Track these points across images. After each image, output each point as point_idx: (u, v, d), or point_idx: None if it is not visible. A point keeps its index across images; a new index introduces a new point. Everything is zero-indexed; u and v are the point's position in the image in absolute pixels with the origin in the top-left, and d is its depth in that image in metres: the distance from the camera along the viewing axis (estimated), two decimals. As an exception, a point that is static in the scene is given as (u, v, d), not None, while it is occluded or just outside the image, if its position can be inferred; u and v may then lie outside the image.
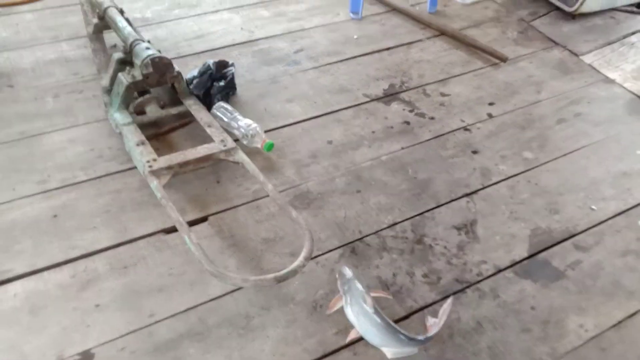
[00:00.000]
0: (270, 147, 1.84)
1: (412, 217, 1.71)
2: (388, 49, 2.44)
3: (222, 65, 2.05)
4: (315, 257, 1.56)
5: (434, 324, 1.39)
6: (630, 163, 1.96)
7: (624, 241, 1.69)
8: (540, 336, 1.42)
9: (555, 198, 1.81)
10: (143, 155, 1.67)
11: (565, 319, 1.47)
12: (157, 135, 1.88)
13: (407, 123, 2.06)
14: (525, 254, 1.63)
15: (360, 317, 1.36)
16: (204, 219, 1.63)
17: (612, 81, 2.34)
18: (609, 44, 2.55)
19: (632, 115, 2.18)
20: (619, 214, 1.77)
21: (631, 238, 1.70)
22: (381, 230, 1.66)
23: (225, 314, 1.40)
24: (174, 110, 1.93)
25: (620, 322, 1.47)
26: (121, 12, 2.09)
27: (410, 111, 2.11)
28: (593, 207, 1.79)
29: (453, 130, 2.04)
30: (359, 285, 1.41)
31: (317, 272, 1.52)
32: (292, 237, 1.60)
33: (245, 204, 1.70)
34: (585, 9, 2.67)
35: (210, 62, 2.02)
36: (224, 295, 1.44)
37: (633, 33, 2.62)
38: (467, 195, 1.80)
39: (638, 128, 2.12)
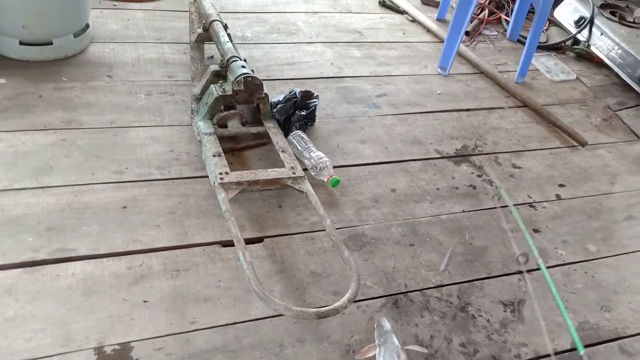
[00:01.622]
0: (336, 183, 1.87)
1: (461, 283, 1.69)
2: (468, 110, 2.44)
3: (307, 95, 2.10)
4: (358, 301, 1.56)
5: (462, 396, 1.37)
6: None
7: (674, 356, 1.61)
8: None
9: (610, 296, 1.75)
10: (217, 166, 1.73)
11: None
12: (233, 150, 1.95)
13: (473, 187, 2.04)
14: (569, 346, 1.58)
15: (391, 371, 1.35)
16: (259, 240, 1.67)
17: (692, 187, 2.25)
18: (696, 149, 2.46)
19: None
20: (674, 327, 1.69)
21: (683, 355, 1.62)
22: (427, 289, 1.65)
23: (261, 337, 1.42)
24: (253, 130, 1.99)
25: None
26: (225, 27, 2.19)
27: (479, 176, 2.10)
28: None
29: (518, 204, 2.01)
30: (396, 340, 1.40)
31: (356, 317, 1.53)
32: (339, 277, 1.61)
33: (301, 233, 1.72)
34: (676, 109, 2.59)
35: (297, 90, 2.08)
36: (263, 318, 1.46)
37: None
38: (520, 272, 1.76)
39: None
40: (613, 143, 2.45)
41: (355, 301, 1.53)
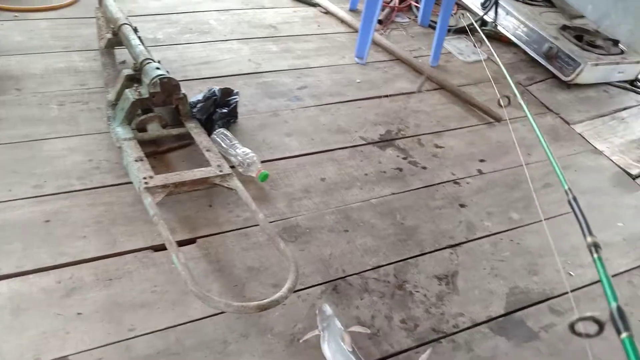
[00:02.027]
0: (265, 177, 1.88)
1: (396, 262, 1.75)
2: (388, 96, 2.52)
3: (227, 92, 2.10)
4: (298, 290, 1.58)
5: (407, 370, 1.42)
6: (610, 234, 2.02)
7: (598, 310, 1.73)
8: (508, 393, 1.45)
9: (536, 260, 1.86)
10: (140, 171, 1.70)
11: (534, 379, 1.50)
12: (156, 153, 1.92)
13: (400, 170, 2.11)
14: (502, 311, 1.67)
15: (337, 354, 1.38)
16: (192, 241, 1.66)
17: (600, 152, 2.43)
18: (601, 116, 2.65)
19: (617, 188, 2.25)
20: (595, 282, 1.82)
21: (605, 308, 1.74)
22: (364, 271, 1.69)
23: (203, 337, 1.41)
24: (174, 131, 1.97)
25: (587, 387, 1.51)
26: (135, 30, 2.15)
27: (404, 158, 2.17)
28: (571, 272, 1.84)
29: (443, 182, 2.10)
30: (338, 323, 1.43)
31: (297, 306, 1.55)
32: (277, 269, 1.62)
33: (235, 230, 1.73)
34: (580, 80, 2.78)
35: (216, 88, 2.07)
36: (203, 318, 1.45)
37: (624, 109, 2.73)
38: (451, 246, 1.85)
39: (621, 201, 2.19)
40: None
41: (295, 291, 1.55)
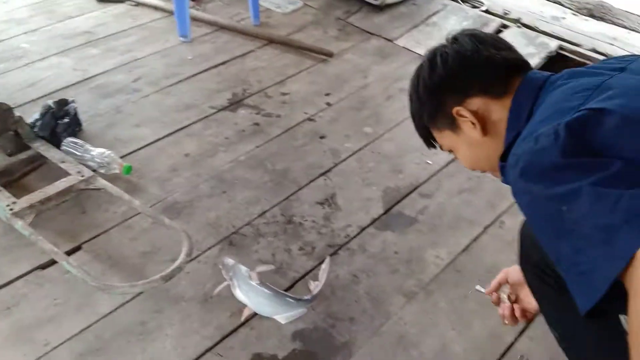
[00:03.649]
0: (128, 169, 1.93)
1: (279, 203, 1.90)
2: (224, 63, 2.63)
3: (63, 103, 2.10)
4: (196, 256, 1.68)
5: (316, 285, 1.58)
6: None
7: (457, 183, 2.01)
8: (406, 273, 1.67)
9: (397, 161, 2.10)
10: (1, 200, 1.69)
11: (423, 255, 1.73)
12: (10, 182, 1.89)
13: (257, 124, 2.25)
14: (382, 211, 1.88)
15: (250, 293, 1.51)
16: (77, 248, 1.69)
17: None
18: (415, 26, 2.96)
19: (446, 82, 2.56)
20: (450, 162, 2.10)
21: (463, 179, 2.03)
22: (253, 220, 1.83)
23: (119, 326, 1.47)
24: (22, 156, 1.94)
25: (467, 246, 1.77)
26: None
27: (257, 113, 2.31)
28: (428, 161, 2.10)
29: (299, 123, 2.27)
30: (243, 267, 1.56)
31: (200, 270, 1.65)
32: (170, 244, 1.70)
33: (116, 225, 1.77)
34: (389, 0, 3.07)
35: (50, 102, 2.07)
36: (114, 310, 1.51)
37: (433, 14, 3.07)
38: (322, 174, 2.03)
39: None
40: (353, 46, 2.83)
41: (193, 258, 1.66)
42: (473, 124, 1.01)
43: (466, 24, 2.95)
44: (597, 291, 0.72)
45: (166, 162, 2.04)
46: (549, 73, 1.01)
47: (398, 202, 1.92)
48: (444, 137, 1.10)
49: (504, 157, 0.92)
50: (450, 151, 1.12)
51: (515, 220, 1.78)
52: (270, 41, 2.81)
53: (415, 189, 1.98)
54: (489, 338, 1.49)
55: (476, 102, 1.02)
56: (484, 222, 1.85)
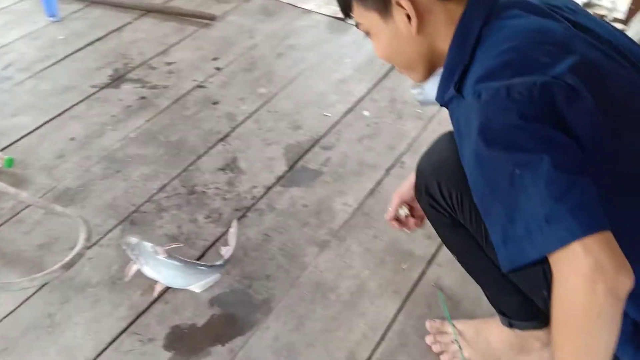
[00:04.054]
0: (10, 162, 1.82)
1: (179, 175, 1.86)
2: (100, 39, 2.52)
3: None
4: (98, 241, 1.63)
5: (227, 250, 1.58)
6: (343, 71, 2.35)
7: (357, 131, 2.06)
8: (317, 224, 1.70)
9: (295, 117, 2.11)
10: None
11: (332, 204, 1.77)
12: None
13: (144, 98, 2.18)
14: (285, 168, 1.90)
15: (159, 268, 1.48)
16: (-36, 254, 1.59)
17: (309, 11, 2.73)
18: (297, -19, 2.96)
19: (333, 33, 2.59)
20: (347, 112, 2.13)
21: (361, 126, 2.08)
22: (153, 196, 1.79)
23: (25, 322, 1.41)
24: None
25: (372, 190, 1.82)
26: None
27: (143, 87, 2.24)
28: (326, 114, 2.13)
29: (189, 91, 2.23)
30: (148, 244, 1.52)
31: (104, 253, 1.60)
32: (68, 232, 1.63)
33: (6, 222, 1.68)
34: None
35: None
36: (17, 307, 1.44)
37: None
38: (220, 140, 2.01)
39: (340, 42, 2.53)
40: (236, 6, 2.78)
41: (95, 242, 1.61)
42: (409, 18, 0.93)
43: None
44: (522, 259, 0.77)
45: (51, 149, 1.95)
46: None
47: (301, 157, 1.94)
48: (367, 18, 0.99)
49: (457, 87, 0.90)
50: (367, 33, 1.02)
51: (414, 158, 1.84)
52: (148, 11, 2.71)
53: (316, 142, 2.00)
54: (401, 271, 1.56)
55: None
56: (385, 164, 1.90)
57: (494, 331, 1.30)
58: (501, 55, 0.86)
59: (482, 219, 0.85)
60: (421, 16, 0.93)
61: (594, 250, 0.72)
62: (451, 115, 0.93)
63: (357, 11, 0.99)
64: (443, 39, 0.95)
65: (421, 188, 1.21)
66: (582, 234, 0.72)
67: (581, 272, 0.72)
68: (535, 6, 0.93)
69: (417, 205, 1.29)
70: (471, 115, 0.83)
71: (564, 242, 0.73)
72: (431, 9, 0.93)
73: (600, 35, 0.93)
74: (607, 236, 0.73)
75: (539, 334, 1.27)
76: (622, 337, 0.97)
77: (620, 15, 2.58)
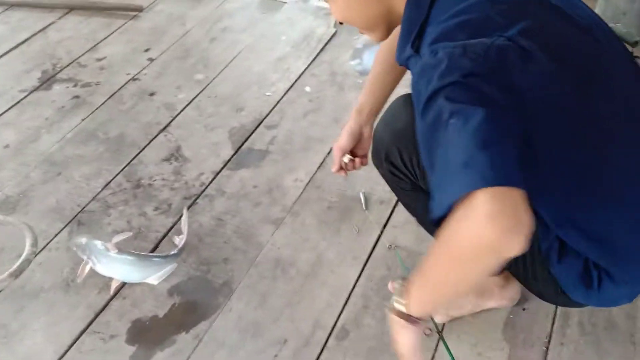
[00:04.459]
0: (-58, 176, 1.77)
1: (122, 170, 1.84)
2: (24, 41, 2.44)
3: None
4: (45, 245, 1.60)
5: (181, 238, 1.57)
6: (280, 49, 2.36)
7: (300, 107, 2.07)
8: (270, 202, 1.72)
9: (236, 100, 2.11)
10: None
11: (282, 182, 1.78)
12: None
13: (77, 97, 2.14)
14: (232, 152, 1.90)
15: (112, 265, 1.47)
16: None
17: (240, -8, 2.73)
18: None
19: (266, 13, 2.59)
20: (288, 89, 2.15)
21: (304, 102, 2.09)
22: (98, 194, 1.76)
23: (-22, 337, 1.39)
24: None
25: (322, 162, 1.84)
26: None
27: (75, 86, 2.19)
28: (267, 93, 2.13)
29: (123, 85, 2.19)
30: (98, 242, 1.51)
31: (53, 257, 1.58)
32: (13, 241, 1.60)
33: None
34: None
35: None
36: (-34, 325, 1.42)
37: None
38: (162, 130, 1.99)
39: (273, 20, 2.53)
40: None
41: (43, 248, 1.58)
42: None
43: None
44: (441, 207, 0.77)
45: (-17, 158, 1.90)
46: None
47: (246, 139, 1.95)
48: None
49: (414, 47, 0.93)
50: None
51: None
52: (71, 8, 2.65)
53: (260, 122, 2.01)
54: (357, 237, 1.59)
55: None
56: (332, 136, 1.92)
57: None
58: (457, 16, 0.88)
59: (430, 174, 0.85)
60: None
61: (502, 200, 0.71)
62: (412, 75, 0.94)
63: None
64: None
65: (381, 155, 1.24)
66: (495, 182, 0.72)
67: (483, 212, 0.71)
68: None
69: (356, 150, 1.32)
70: (427, 71, 0.85)
71: (475, 186, 0.72)
72: None
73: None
74: (519, 193, 0.73)
75: (497, 279, 1.33)
76: (574, 279, 1.03)
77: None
